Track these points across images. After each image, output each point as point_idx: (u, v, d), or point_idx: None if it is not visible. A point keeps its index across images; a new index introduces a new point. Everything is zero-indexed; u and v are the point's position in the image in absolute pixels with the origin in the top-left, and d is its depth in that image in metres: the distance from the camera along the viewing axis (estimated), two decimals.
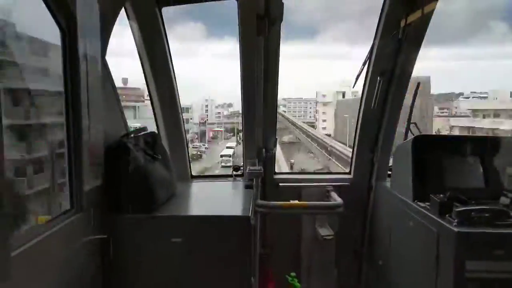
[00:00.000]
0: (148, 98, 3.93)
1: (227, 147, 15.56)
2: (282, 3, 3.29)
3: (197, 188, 4.02)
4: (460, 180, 3.28)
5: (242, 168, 4.17)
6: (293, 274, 4.21)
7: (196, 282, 2.66)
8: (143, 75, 3.75)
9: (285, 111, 18.83)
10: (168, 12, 3.56)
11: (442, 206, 2.77)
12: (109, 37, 2.94)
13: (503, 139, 3.47)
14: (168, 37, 3.64)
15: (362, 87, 4.09)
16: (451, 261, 2.58)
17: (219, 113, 18.69)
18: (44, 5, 2.21)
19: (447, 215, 2.71)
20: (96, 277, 2.57)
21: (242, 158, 4.22)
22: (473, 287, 2.56)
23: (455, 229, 2.57)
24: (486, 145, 3.38)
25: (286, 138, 16.43)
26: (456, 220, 2.62)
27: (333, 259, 4.30)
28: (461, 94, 16.66)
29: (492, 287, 2.57)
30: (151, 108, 3.99)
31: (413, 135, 3.83)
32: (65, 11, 2.28)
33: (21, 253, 1.77)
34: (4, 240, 1.51)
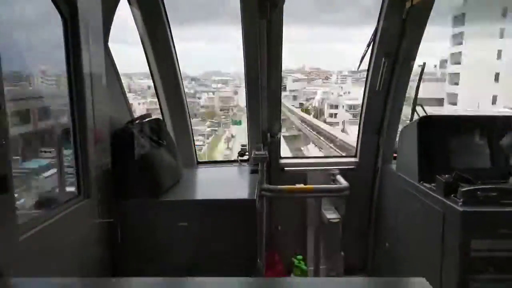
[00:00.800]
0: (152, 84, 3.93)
1: None
2: None
3: (203, 173, 4.04)
4: (467, 161, 3.26)
5: (247, 153, 4.19)
6: (299, 256, 4.26)
7: (202, 265, 2.70)
8: (146, 61, 3.75)
9: None
10: None
11: (448, 186, 2.76)
12: (111, 23, 2.94)
13: (510, 118, 3.43)
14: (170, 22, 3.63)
15: (366, 69, 4.05)
16: (457, 241, 2.58)
17: None
18: None
19: (452, 195, 2.71)
20: (104, 261, 2.62)
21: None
22: (479, 266, 2.57)
23: (460, 209, 2.57)
24: (493, 125, 3.34)
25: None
26: (461, 200, 2.62)
27: (340, 242, 4.32)
28: None
29: (497, 265, 2.58)
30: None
31: (419, 116, 3.80)
32: None
33: (29, 237, 1.81)
34: (12, 224, 1.55)
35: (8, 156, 1.48)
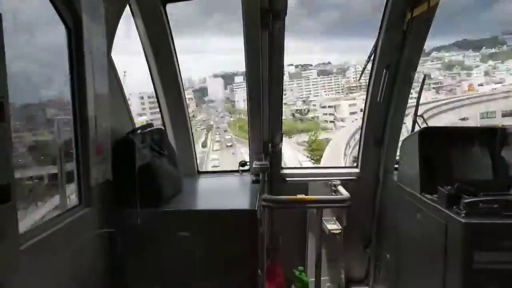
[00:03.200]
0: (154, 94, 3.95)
1: None
2: None
3: (204, 183, 4.04)
4: (468, 172, 3.25)
5: (248, 163, 4.18)
6: (300, 268, 4.23)
7: (203, 275, 2.68)
8: (148, 71, 3.78)
9: None
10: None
11: (450, 197, 2.75)
12: (115, 34, 2.96)
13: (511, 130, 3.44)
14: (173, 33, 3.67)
15: (367, 81, 4.07)
16: (459, 253, 2.57)
17: None
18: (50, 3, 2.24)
19: (454, 207, 2.70)
20: (104, 271, 2.61)
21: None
22: (481, 278, 2.55)
23: (463, 220, 2.55)
24: (495, 136, 3.35)
25: None
26: (463, 211, 2.61)
27: (341, 253, 4.30)
28: None
29: (500, 278, 2.55)
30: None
31: (420, 127, 3.81)
32: (70, 9, 2.31)
33: (30, 247, 1.80)
34: (13, 234, 1.54)
35: (11, 165, 1.49)
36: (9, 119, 1.46)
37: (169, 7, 3.56)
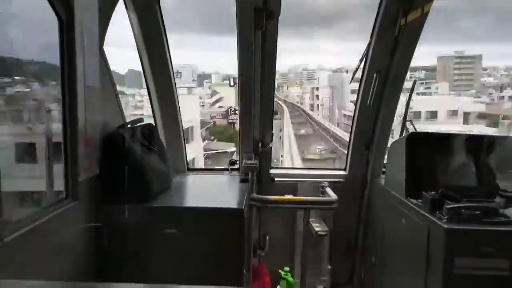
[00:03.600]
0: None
1: None
2: None
3: (193, 180, 4.04)
4: (454, 178, 3.30)
5: (238, 162, 4.19)
6: (286, 269, 4.25)
7: (188, 272, 2.68)
8: (140, 66, 3.76)
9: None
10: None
11: (433, 203, 2.79)
12: (107, 27, 2.95)
13: (498, 138, 3.50)
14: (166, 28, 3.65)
15: (358, 84, 4.11)
16: (441, 258, 2.60)
17: None
18: None
19: (437, 212, 2.73)
20: (90, 265, 2.60)
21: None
22: (462, 284, 2.59)
23: (445, 226, 2.59)
24: (480, 144, 3.40)
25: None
26: (446, 217, 2.64)
27: (327, 255, 4.33)
28: None
29: (480, 283, 2.60)
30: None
31: (408, 132, 3.86)
32: (63, 1, 2.29)
33: (15, 239, 1.79)
34: None
35: None
36: None
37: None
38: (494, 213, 2.70)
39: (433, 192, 2.88)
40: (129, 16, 3.44)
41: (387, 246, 3.67)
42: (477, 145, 3.39)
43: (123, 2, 3.28)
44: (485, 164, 3.34)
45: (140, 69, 3.82)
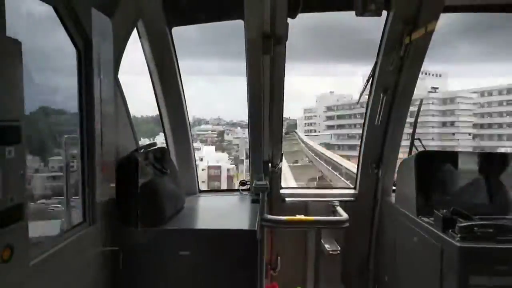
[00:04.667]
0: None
1: None
2: (287, 23, 3.40)
3: (205, 202, 4.08)
4: (464, 196, 3.30)
5: (248, 183, 4.23)
6: None
7: None
8: (153, 91, 3.87)
9: None
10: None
11: (445, 221, 2.79)
12: (122, 55, 3.06)
13: (508, 155, 3.50)
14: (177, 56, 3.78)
15: (366, 104, 4.16)
16: (455, 276, 2.59)
17: None
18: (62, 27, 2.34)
19: (450, 230, 2.73)
20: (107, 287, 2.63)
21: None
22: None
23: (458, 244, 2.59)
24: (490, 161, 3.41)
25: None
26: (458, 235, 2.64)
27: (339, 274, 4.29)
28: None
29: None
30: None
31: (417, 150, 3.88)
32: (81, 32, 2.41)
33: (36, 264, 1.85)
34: (24, 250, 1.59)
35: (24, 186, 1.55)
36: (24, 142, 1.54)
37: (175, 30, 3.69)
38: (508, 230, 2.68)
39: (444, 210, 2.89)
40: (142, 44, 3.56)
41: (400, 264, 3.65)
42: (487, 162, 3.40)
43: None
44: (496, 181, 3.34)
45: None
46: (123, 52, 3.06)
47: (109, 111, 2.67)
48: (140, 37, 3.53)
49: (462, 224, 2.68)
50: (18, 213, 1.50)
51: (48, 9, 2.22)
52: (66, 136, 2.43)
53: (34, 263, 1.79)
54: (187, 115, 4.06)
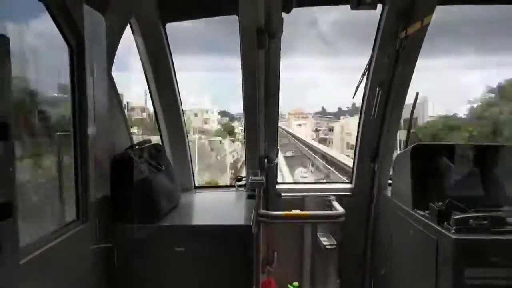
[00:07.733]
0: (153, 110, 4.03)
1: None
2: (282, 18, 3.39)
3: (200, 198, 4.08)
4: (460, 188, 3.31)
5: (244, 178, 4.24)
6: (295, 284, 4.25)
7: None
8: (147, 87, 3.86)
9: None
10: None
11: (441, 214, 2.80)
12: (115, 52, 3.04)
13: (503, 148, 3.51)
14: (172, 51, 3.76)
15: (361, 98, 4.16)
16: (450, 269, 2.60)
17: None
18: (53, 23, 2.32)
19: (445, 223, 2.74)
20: (101, 286, 2.63)
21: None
22: None
23: (453, 236, 2.60)
24: (486, 154, 3.42)
25: None
26: (454, 228, 2.65)
27: (336, 268, 4.32)
28: None
29: None
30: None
31: (413, 143, 3.88)
32: (73, 29, 2.38)
33: (28, 262, 1.83)
34: (14, 249, 1.58)
35: (14, 183, 1.54)
36: (12, 138, 1.52)
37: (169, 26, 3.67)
38: (502, 222, 2.70)
39: (440, 203, 2.89)
40: (136, 40, 3.55)
41: (396, 258, 3.66)
42: (482, 154, 3.41)
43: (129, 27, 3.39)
44: (491, 174, 3.35)
45: None
46: (116, 48, 3.04)
47: (103, 108, 2.66)
48: (133, 34, 3.52)
49: (457, 217, 2.69)
50: (7, 210, 1.49)
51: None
52: (58, 133, 2.42)
53: (24, 262, 1.78)
54: (182, 111, 4.05)
